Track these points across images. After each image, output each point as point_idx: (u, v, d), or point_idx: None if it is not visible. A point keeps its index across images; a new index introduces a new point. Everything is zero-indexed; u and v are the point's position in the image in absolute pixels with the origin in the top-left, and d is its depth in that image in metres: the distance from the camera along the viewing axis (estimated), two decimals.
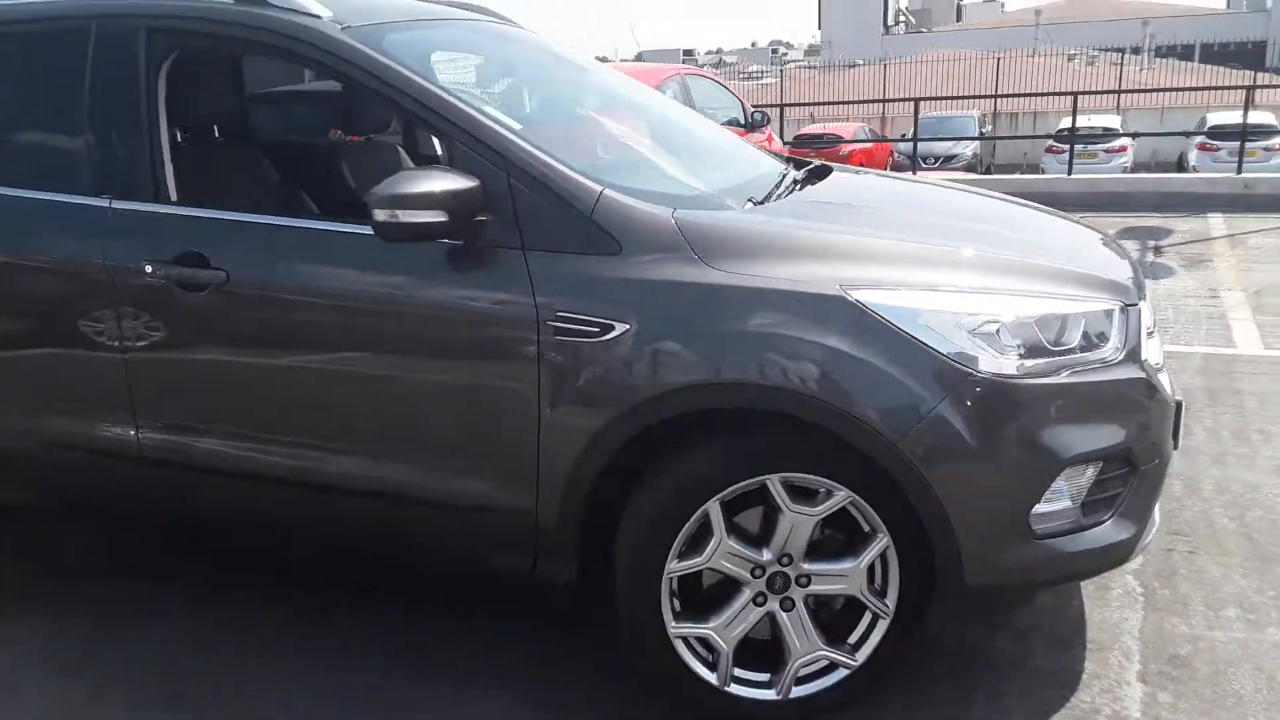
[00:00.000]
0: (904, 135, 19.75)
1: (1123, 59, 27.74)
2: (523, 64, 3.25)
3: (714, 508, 2.21)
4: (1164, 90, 20.44)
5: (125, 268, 2.53)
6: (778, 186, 2.75)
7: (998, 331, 2.12)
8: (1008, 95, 21.45)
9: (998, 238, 2.61)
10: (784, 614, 2.29)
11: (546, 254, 2.26)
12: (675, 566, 2.25)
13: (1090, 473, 2.21)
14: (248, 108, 3.50)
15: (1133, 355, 2.27)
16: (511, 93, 2.98)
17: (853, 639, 2.33)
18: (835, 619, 2.34)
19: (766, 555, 2.26)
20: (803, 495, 2.22)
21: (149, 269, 2.50)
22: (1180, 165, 18.67)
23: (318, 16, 2.52)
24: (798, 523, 2.22)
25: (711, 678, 2.31)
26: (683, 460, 2.22)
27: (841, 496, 2.20)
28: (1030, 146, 20.14)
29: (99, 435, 2.68)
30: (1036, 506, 2.15)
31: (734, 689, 2.32)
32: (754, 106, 9.73)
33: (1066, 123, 19.23)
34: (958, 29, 54.54)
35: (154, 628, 2.80)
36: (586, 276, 2.23)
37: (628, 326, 2.18)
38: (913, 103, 14.61)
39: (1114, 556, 2.28)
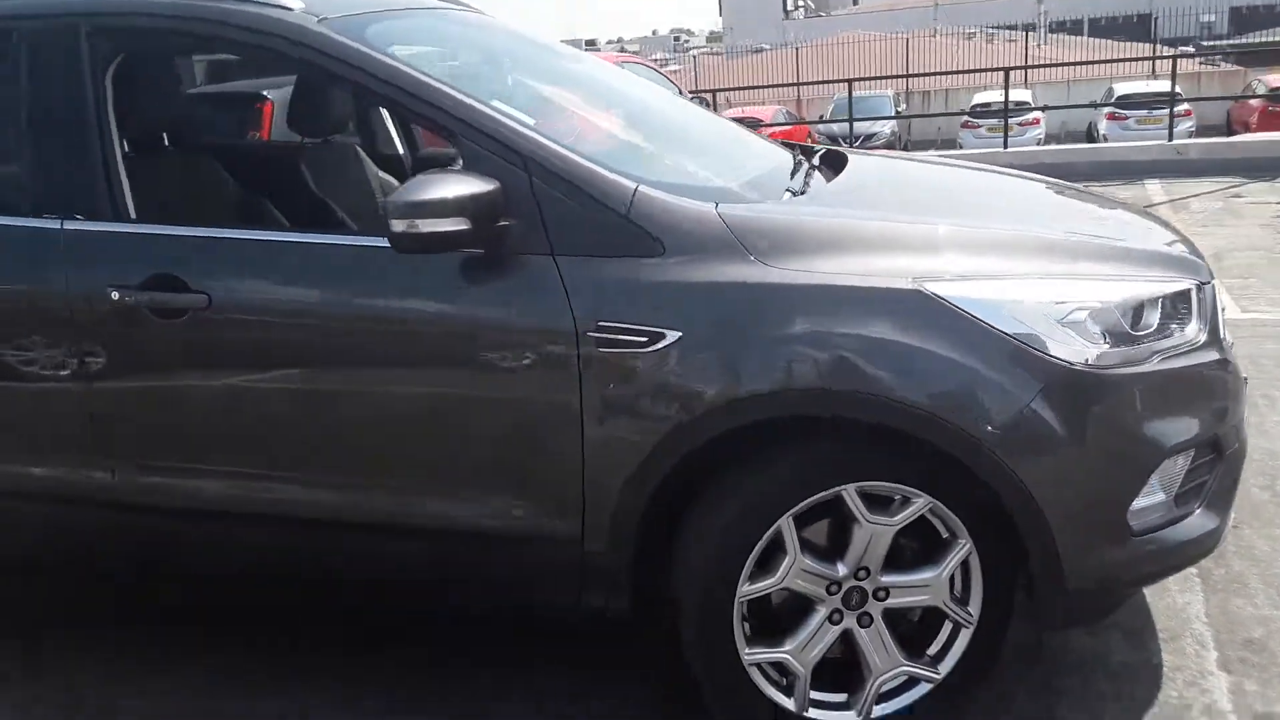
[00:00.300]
0: (821, 116, 19.89)
1: (1026, 36, 28.37)
2: (509, 56, 2.99)
3: (786, 524, 2.01)
4: (1078, 64, 20.96)
5: (86, 295, 2.22)
6: (806, 175, 2.55)
7: (1086, 319, 1.97)
8: (936, 74, 21.69)
9: (1053, 217, 2.46)
10: (862, 630, 2.11)
11: (580, 259, 2.03)
12: (747, 590, 2.04)
13: (1182, 462, 2.07)
14: (192, 112, 3.18)
15: (1213, 336, 2.14)
16: (503, 87, 2.73)
17: (933, 650, 2.16)
18: (913, 631, 2.17)
19: (842, 570, 2.07)
20: (879, 504, 2.03)
21: (115, 295, 2.19)
22: (1090, 135, 19.13)
23: (288, 9, 2.24)
24: (876, 534, 2.04)
25: (789, 703, 2.12)
26: (750, 475, 2.02)
27: (921, 503, 2.02)
28: (945, 123, 20.43)
29: (60, 480, 2.36)
30: (1135, 501, 2.00)
31: (812, 714, 2.13)
32: (691, 93, 9.57)
33: (979, 98, 19.61)
34: (854, 12, 55.35)
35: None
36: (628, 281, 2.01)
37: (679, 334, 1.96)
38: (842, 83, 14.63)
39: (1205, 547, 2.15)
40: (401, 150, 3.73)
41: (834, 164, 2.72)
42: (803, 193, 2.37)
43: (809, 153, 2.88)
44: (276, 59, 2.43)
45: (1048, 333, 1.93)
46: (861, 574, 2.08)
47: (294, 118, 3.12)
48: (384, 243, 2.02)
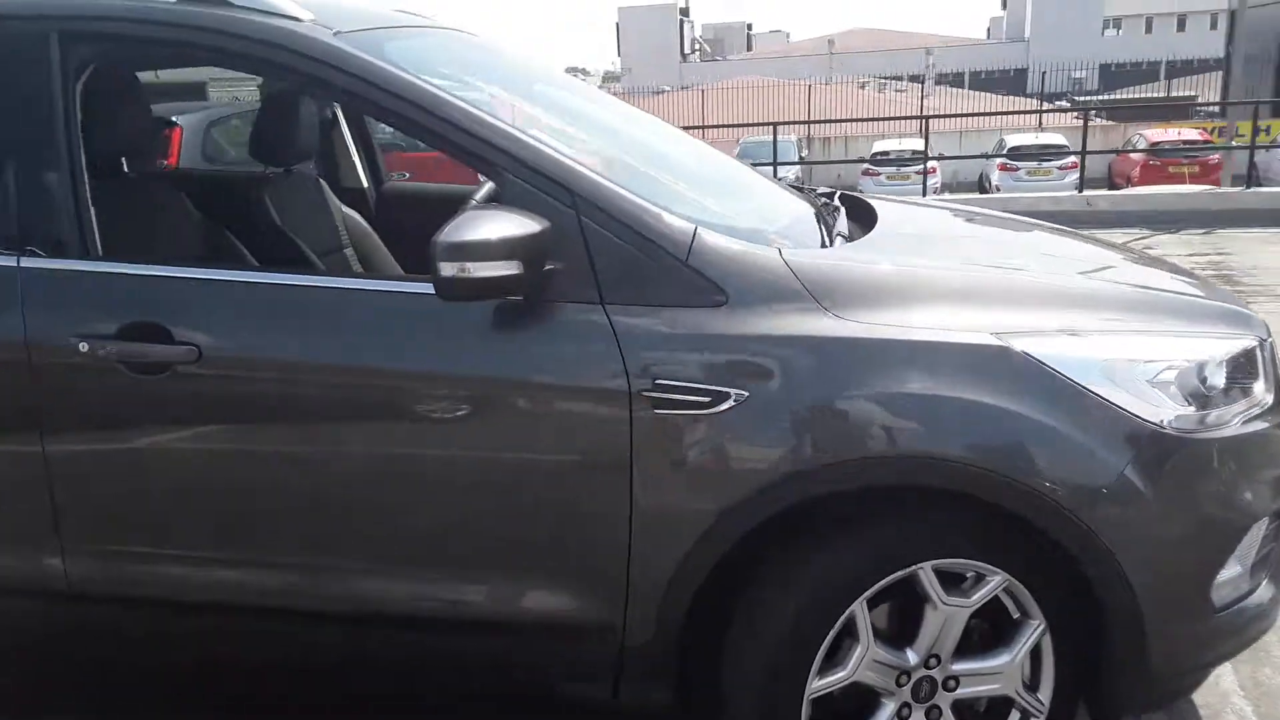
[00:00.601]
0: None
1: (923, 87, 29.40)
2: (521, 83, 2.77)
3: (860, 609, 1.83)
4: (987, 114, 21.77)
5: (47, 346, 1.90)
6: (839, 220, 2.40)
7: (1173, 378, 1.86)
8: (855, 120, 22.32)
9: (1103, 266, 2.36)
10: None
11: (633, 308, 1.83)
12: (817, 685, 1.85)
13: (1256, 531, 1.98)
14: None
15: (1278, 395, 2.07)
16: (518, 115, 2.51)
17: None
18: None
19: (913, 658, 1.90)
20: (950, 583, 1.87)
21: (84, 346, 1.88)
22: (981, 186, 19.81)
23: (297, 19, 1.98)
24: (951, 617, 1.88)
25: None
26: (823, 553, 1.83)
27: (998, 581, 1.87)
28: (844, 169, 20.90)
29: (12, 570, 2.02)
30: (1219, 574, 1.90)
31: None
32: None
33: (879, 146, 20.13)
34: (749, 57, 56.77)
35: None
36: (688, 335, 1.81)
37: (744, 394, 1.77)
38: (750, 126, 14.77)
39: (1271, 620, 2.07)
40: (365, 183, 3.46)
41: (860, 210, 2.58)
42: (851, 239, 2.22)
43: (826, 195, 2.74)
44: (282, 75, 2.15)
45: (1139, 393, 1.81)
46: (932, 662, 1.91)
47: (259, 144, 2.84)
48: (414, 288, 1.80)
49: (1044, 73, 32.94)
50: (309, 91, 2.34)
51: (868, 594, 1.82)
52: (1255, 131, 11.37)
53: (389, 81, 1.91)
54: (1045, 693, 1.96)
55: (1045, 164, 17.76)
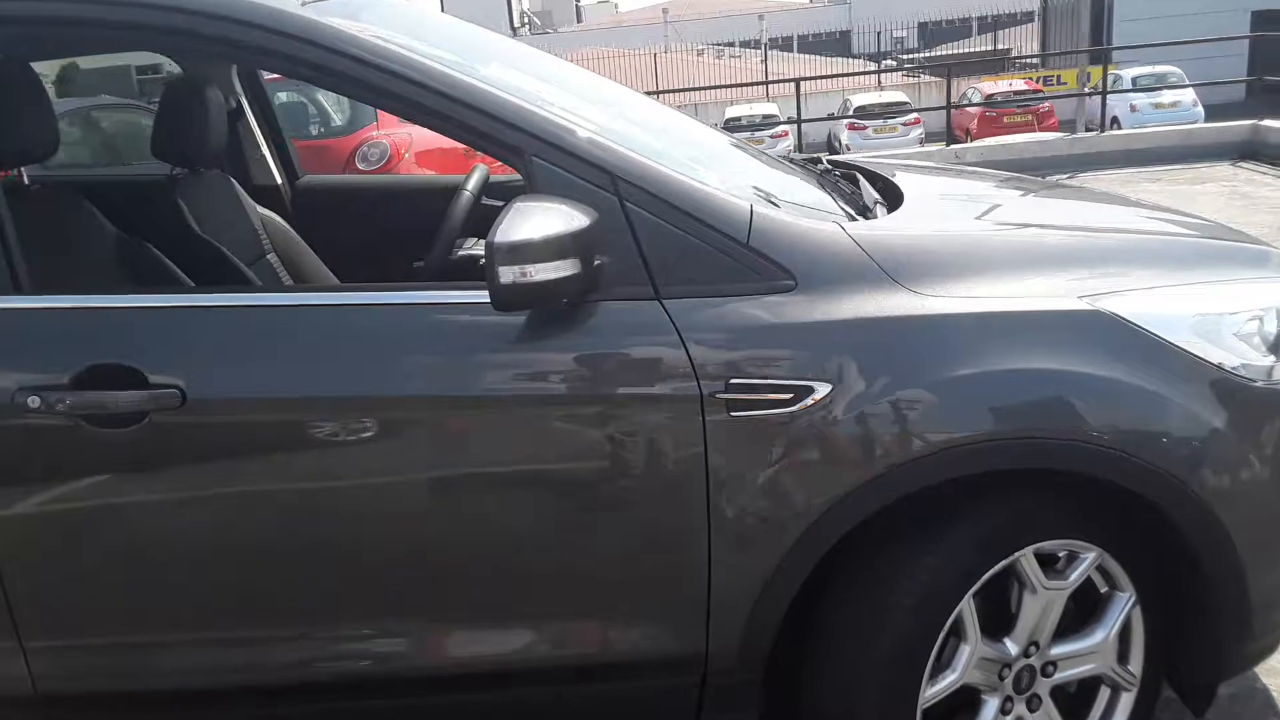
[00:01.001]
0: None
1: (766, 52, 29.77)
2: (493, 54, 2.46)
3: (968, 605, 1.69)
4: (836, 76, 22.13)
5: None
6: (868, 188, 2.21)
7: (1256, 328, 1.78)
8: (721, 86, 22.16)
9: (1154, 221, 2.27)
10: (1030, 715, 1.82)
11: (693, 301, 1.61)
12: (930, 694, 1.70)
13: None
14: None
15: None
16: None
17: None
18: (1068, 706, 1.90)
19: (1013, 649, 1.77)
20: (1046, 565, 1.75)
21: (34, 402, 1.53)
22: (830, 146, 20.23)
23: None
24: (1051, 601, 1.76)
25: None
26: (927, 551, 1.67)
27: (1092, 557, 1.76)
28: None
29: None
30: None
31: None
32: None
33: (731, 112, 20.25)
34: (580, 29, 56.28)
35: None
36: (760, 326, 1.61)
37: (829, 386, 1.59)
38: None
39: None
40: (279, 178, 3.09)
41: (870, 177, 2.39)
42: (891, 208, 2.05)
43: (814, 162, 2.56)
44: (237, 55, 1.81)
45: (1229, 346, 1.72)
46: (1030, 650, 1.79)
47: (163, 141, 2.46)
48: (452, 297, 1.56)
49: (879, 32, 33.89)
50: (276, 70, 1.97)
51: (975, 588, 1.68)
52: (1106, 78, 11.94)
53: (381, 56, 1.62)
54: (1136, 664, 1.87)
55: (890, 121, 18.28)
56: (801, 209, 1.86)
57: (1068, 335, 1.65)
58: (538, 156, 1.61)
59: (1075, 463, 1.64)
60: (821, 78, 19.13)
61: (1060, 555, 1.76)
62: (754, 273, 1.62)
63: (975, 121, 18.12)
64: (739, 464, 1.60)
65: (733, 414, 1.59)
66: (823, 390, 1.59)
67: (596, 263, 1.56)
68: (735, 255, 1.62)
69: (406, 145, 6.72)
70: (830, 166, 2.45)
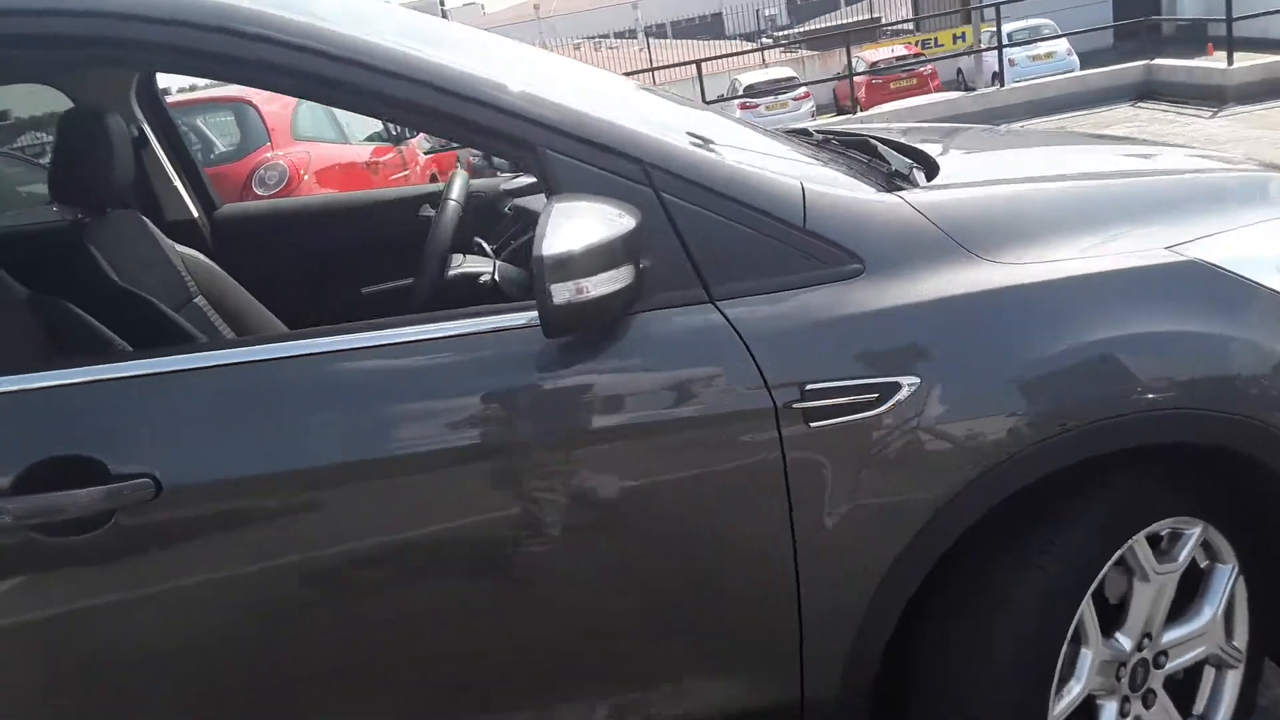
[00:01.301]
0: None
1: (645, 39, 29.61)
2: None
3: (1088, 608, 1.51)
4: (730, 55, 22.19)
5: None
6: (896, 154, 1.99)
7: None
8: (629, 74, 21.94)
9: (1184, 160, 2.12)
10: (1147, 712, 1.66)
11: (752, 300, 1.39)
12: (1059, 711, 1.51)
13: None
14: None
15: None
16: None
17: (1199, 709, 1.75)
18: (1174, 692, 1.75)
19: (1127, 644, 1.60)
20: (1154, 547, 1.59)
21: None
22: None
23: None
24: (1163, 586, 1.59)
25: None
26: (1044, 552, 1.48)
27: (1197, 533, 1.60)
28: None
29: None
30: None
31: None
32: None
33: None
34: None
35: None
36: (832, 320, 1.39)
37: (916, 379, 1.38)
38: None
39: None
40: (194, 211, 2.75)
41: (888, 143, 2.16)
42: (930, 174, 1.84)
43: (802, 134, 2.35)
44: (188, 63, 1.49)
45: None
46: (1144, 642, 1.62)
47: (63, 183, 2.13)
48: (488, 323, 1.31)
49: (758, 10, 34.14)
50: (244, 80, 1.63)
51: (1095, 584, 1.50)
52: (1000, 36, 12.10)
53: (358, 51, 1.35)
54: (1241, 639, 1.72)
55: (781, 97, 18.35)
56: (844, 182, 1.65)
57: (1166, 291, 1.48)
58: (553, 149, 1.36)
59: (1204, 434, 1.47)
60: (719, 58, 19.07)
61: (1163, 535, 1.60)
62: (816, 259, 1.41)
63: (863, 90, 18.27)
64: (824, 482, 1.38)
65: (812, 425, 1.37)
66: (910, 385, 1.38)
67: (641, 267, 1.32)
68: (792, 242, 1.40)
69: (305, 164, 6.31)
70: (827, 136, 2.24)
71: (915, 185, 1.65)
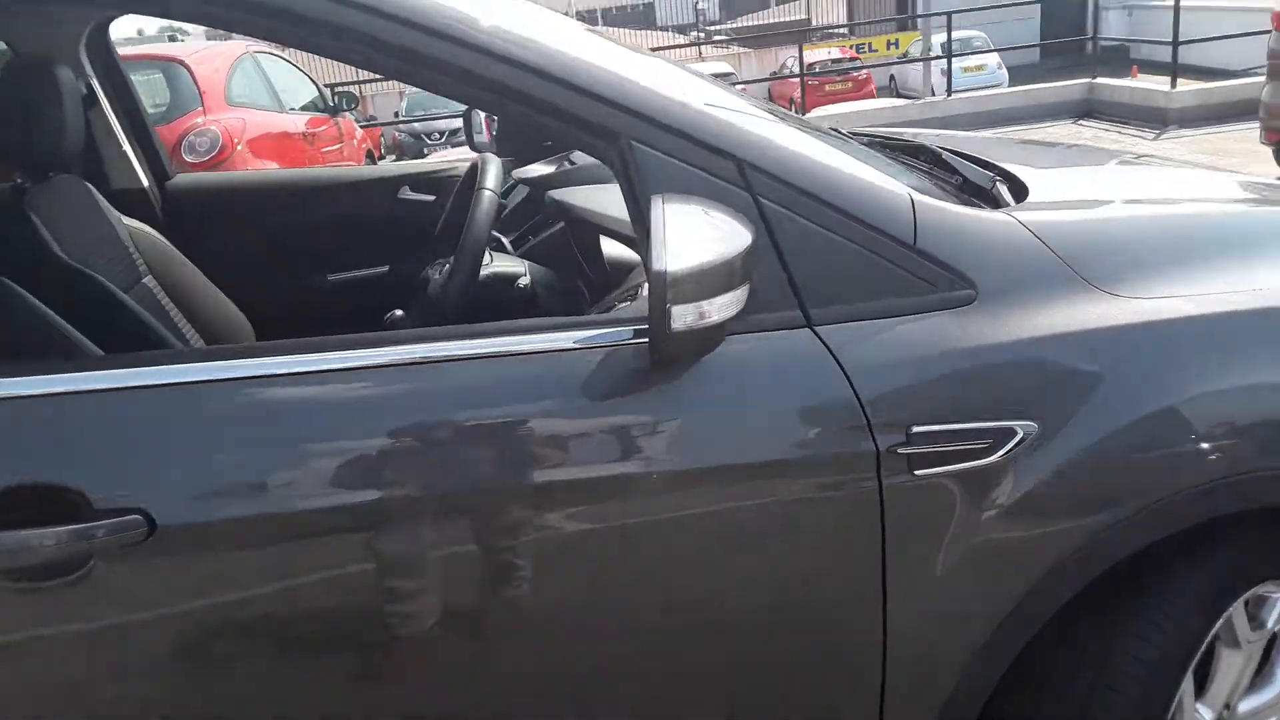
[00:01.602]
0: (396, 113, 18.89)
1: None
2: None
3: (1187, 683, 1.37)
4: (674, 47, 22.02)
5: None
6: (973, 167, 1.82)
7: None
8: None
9: (1245, 190, 2.01)
10: None
11: (854, 326, 1.21)
12: None
13: None
14: None
15: None
16: None
17: None
18: None
19: (1208, 716, 1.47)
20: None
21: None
22: None
23: None
24: (1252, 654, 1.47)
25: None
26: (1146, 620, 1.33)
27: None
28: None
29: None
30: None
31: None
32: (330, 86, 8.25)
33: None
34: None
35: None
36: (941, 353, 1.22)
37: (1033, 424, 1.22)
38: None
39: None
40: (145, 181, 2.44)
41: (954, 154, 1.99)
42: (1018, 190, 1.67)
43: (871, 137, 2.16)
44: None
45: None
46: (1223, 715, 1.50)
47: (5, 142, 1.84)
48: (570, 338, 1.09)
49: (693, 4, 34.06)
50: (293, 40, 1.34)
51: (1197, 658, 1.36)
52: (950, 45, 12.16)
53: (459, 31, 1.14)
54: None
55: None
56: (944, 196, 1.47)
57: None
58: (642, 141, 1.16)
59: None
60: (655, 50, 18.88)
61: (1249, 600, 1.47)
62: (926, 283, 1.24)
63: (798, 91, 18.30)
64: (924, 541, 1.22)
65: (916, 473, 1.20)
66: (1025, 431, 1.22)
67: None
68: (901, 262, 1.23)
69: (239, 132, 5.92)
70: (871, 139, 2.07)
71: (1004, 203, 1.49)
